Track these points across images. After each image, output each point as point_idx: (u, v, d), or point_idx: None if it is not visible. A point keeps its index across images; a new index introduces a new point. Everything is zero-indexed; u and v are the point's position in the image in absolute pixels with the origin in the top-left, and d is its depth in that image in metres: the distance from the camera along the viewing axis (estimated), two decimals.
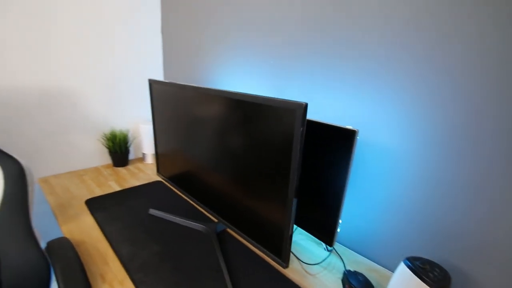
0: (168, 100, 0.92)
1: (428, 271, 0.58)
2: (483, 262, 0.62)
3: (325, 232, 0.75)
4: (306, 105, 0.51)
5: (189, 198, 0.95)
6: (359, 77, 0.76)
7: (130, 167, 1.38)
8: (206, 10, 1.19)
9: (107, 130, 1.37)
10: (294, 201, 0.59)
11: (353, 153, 0.65)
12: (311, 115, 0.89)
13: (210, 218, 0.98)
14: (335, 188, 0.70)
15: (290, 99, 0.93)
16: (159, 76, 1.53)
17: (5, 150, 0.78)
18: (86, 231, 0.87)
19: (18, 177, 0.77)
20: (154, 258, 0.76)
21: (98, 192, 1.11)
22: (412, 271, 0.59)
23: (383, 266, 0.80)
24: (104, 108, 1.33)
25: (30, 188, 0.81)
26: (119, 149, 1.34)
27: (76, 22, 1.16)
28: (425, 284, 0.56)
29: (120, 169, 1.35)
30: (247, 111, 0.63)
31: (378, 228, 0.80)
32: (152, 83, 0.97)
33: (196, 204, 0.92)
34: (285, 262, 0.63)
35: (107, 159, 1.40)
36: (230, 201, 0.77)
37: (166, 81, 0.91)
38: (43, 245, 0.78)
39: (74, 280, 0.67)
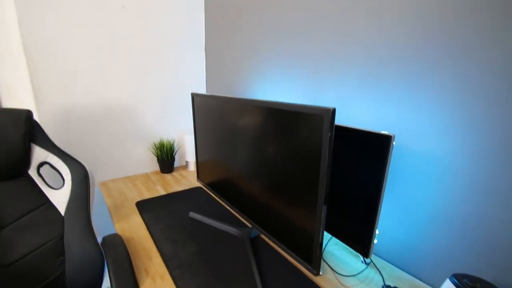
0: (207, 111, 0.99)
1: None
2: None
3: (361, 242, 0.72)
4: (334, 110, 0.51)
5: (225, 203, 1.00)
6: (400, 81, 0.73)
7: (175, 173, 1.50)
8: (244, 27, 1.27)
9: (156, 140, 1.51)
10: (324, 207, 0.58)
11: (388, 159, 0.62)
12: (348, 122, 0.88)
13: (245, 224, 1.00)
14: (370, 196, 0.68)
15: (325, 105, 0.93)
16: (202, 90, 1.65)
17: (74, 156, 0.92)
18: (135, 229, 0.96)
19: (83, 180, 0.90)
20: (191, 258, 0.81)
21: (147, 195, 1.22)
22: None
23: (426, 283, 0.73)
24: (155, 120, 1.48)
25: (91, 190, 0.93)
26: (166, 157, 1.46)
27: (133, 48, 1.33)
28: None
29: (166, 175, 1.47)
30: (277, 119, 0.66)
31: (423, 242, 0.74)
32: (194, 96, 1.06)
33: (232, 209, 0.96)
34: (316, 269, 0.62)
35: (155, 166, 1.54)
36: (264, 207, 0.79)
37: (206, 94, 0.98)
38: (99, 240, 0.89)
39: (123, 272, 0.75)
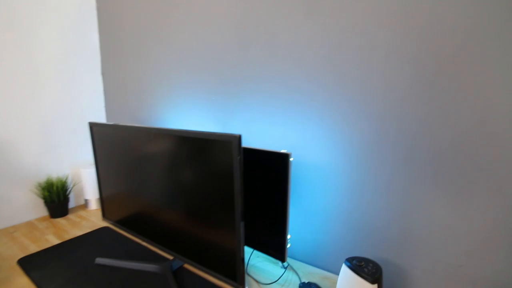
0: (110, 142, 0.91)
1: (364, 267, 0.66)
2: (405, 252, 0.74)
3: (277, 249, 0.80)
4: (240, 136, 0.58)
5: (140, 238, 0.92)
6: (289, 108, 0.87)
7: (70, 216, 1.27)
8: (146, 53, 1.24)
9: (41, 179, 1.26)
10: (242, 224, 0.63)
11: (289, 173, 0.73)
12: (251, 144, 0.97)
13: (164, 257, 0.95)
14: (279, 207, 0.77)
15: (233, 130, 1.01)
16: (101, 118, 1.49)
17: None
18: None
19: None
20: None
21: (34, 248, 1.00)
22: (351, 270, 0.66)
23: (333, 273, 0.87)
24: (38, 154, 1.23)
25: None
26: (56, 198, 1.23)
27: (3, 65, 1.10)
28: (362, 279, 0.64)
29: (58, 220, 1.24)
30: (188, 146, 0.68)
31: (323, 238, 0.88)
32: (93, 126, 0.96)
33: (149, 243, 0.90)
34: (241, 285, 0.66)
35: (42, 211, 1.27)
36: (183, 235, 0.78)
37: (108, 123, 0.91)
38: None
39: None
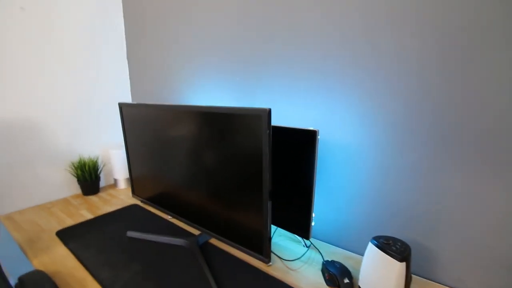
0: (139, 121, 0.94)
1: (391, 246, 0.66)
2: (433, 233, 0.72)
3: (301, 227, 0.81)
4: (270, 110, 0.58)
5: (168, 214, 0.96)
6: (315, 85, 0.86)
7: (101, 194, 1.35)
8: (169, 35, 1.26)
9: (75, 159, 1.33)
10: (269, 203, 0.64)
11: (316, 150, 0.73)
12: (277, 122, 0.97)
13: (191, 233, 0.99)
14: (305, 185, 0.77)
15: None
16: (127, 100, 1.54)
17: None
18: (61, 261, 0.83)
19: None
20: (136, 278, 0.76)
21: (70, 222, 1.07)
22: (378, 248, 0.66)
23: (357, 253, 0.87)
24: (71, 136, 1.30)
25: None
26: (89, 177, 1.30)
27: (36, 52, 1.15)
28: (390, 257, 0.64)
29: (91, 197, 1.31)
30: (217, 123, 0.69)
31: (348, 219, 0.88)
32: (122, 106, 0.99)
33: (177, 218, 0.93)
34: (267, 258, 0.67)
35: (76, 189, 1.35)
36: (210, 212, 0.80)
37: (136, 103, 0.94)
38: (13, 281, 0.74)
39: None
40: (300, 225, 0.82)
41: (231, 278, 0.76)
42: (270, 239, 0.67)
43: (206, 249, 0.89)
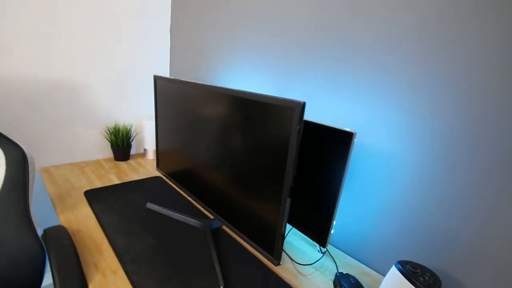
0: (171, 96, 0.93)
1: (418, 275, 0.58)
2: (474, 272, 0.62)
3: (319, 232, 0.76)
4: (304, 104, 0.52)
5: (187, 194, 0.96)
6: (360, 81, 0.77)
7: (131, 161, 1.40)
8: (213, 12, 1.22)
9: (110, 124, 1.39)
10: (288, 200, 0.59)
11: (349, 155, 0.66)
12: (311, 117, 0.90)
13: (206, 216, 0.98)
14: (330, 189, 0.71)
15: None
16: (165, 74, 1.55)
17: (10, 137, 0.79)
18: (83, 221, 0.88)
19: (20, 163, 0.79)
20: (148, 251, 0.77)
21: (98, 184, 1.12)
22: (403, 274, 0.59)
23: (376, 271, 0.80)
24: (109, 102, 1.35)
25: (31, 176, 0.82)
26: (121, 143, 1.35)
27: (85, 17, 1.19)
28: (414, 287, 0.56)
29: (121, 163, 1.37)
30: (247, 109, 0.65)
31: (372, 233, 0.80)
32: (157, 79, 0.99)
33: (194, 200, 0.93)
34: (277, 260, 0.64)
35: (109, 153, 1.42)
36: (227, 199, 0.78)
37: (171, 77, 0.92)
38: (40, 232, 0.79)
39: (68, 267, 0.67)
40: (318, 230, 0.76)
41: (237, 268, 0.74)
42: (283, 238, 0.63)
43: (219, 234, 0.88)
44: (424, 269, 0.60)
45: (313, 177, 0.76)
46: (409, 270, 0.59)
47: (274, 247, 0.64)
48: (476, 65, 0.57)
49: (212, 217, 0.97)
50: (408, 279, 0.58)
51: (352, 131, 0.64)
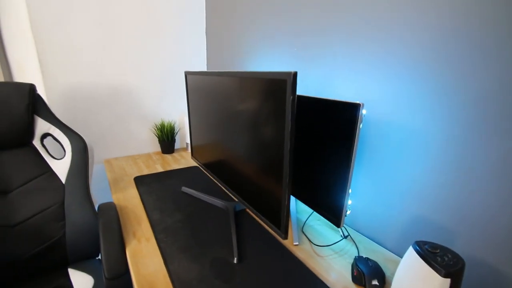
0: (197, 88, 1.02)
1: (437, 255, 0.52)
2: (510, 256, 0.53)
3: (334, 212, 0.73)
4: (295, 73, 0.53)
5: (216, 179, 1.03)
6: (377, 54, 0.72)
7: (175, 154, 1.56)
8: (244, 8, 1.28)
9: (157, 121, 1.57)
10: (289, 168, 0.59)
11: (357, 127, 0.63)
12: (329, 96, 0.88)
13: (232, 199, 1.04)
14: (341, 165, 0.69)
15: (312, 83, 0.94)
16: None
17: (79, 133, 0.98)
18: (129, 199, 1.03)
19: (82, 151, 0.97)
20: (176, 225, 0.86)
21: (146, 172, 1.29)
22: (419, 255, 0.53)
23: (400, 257, 0.73)
24: (156, 101, 1.54)
25: (90, 161, 1.00)
26: (166, 138, 1.52)
27: (134, 27, 1.38)
28: (430, 268, 0.51)
29: (166, 155, 1.54)
30: (245, 86, 0.68)
31: (398, 215, 0.74)
32: (187, 74, 1.09)
33: (221, 185, 0.99)
34: (284, 233, 0.64)
35: (157, 147, 1.61)
36: (244, 181, 0.82)
37: (197, 70, 1.01)
38: (96, 207, 0.96)
39: (111, 232, 0.80)
40: (332, 209, 0.74)
41: (254, 245, 0.77)
42: (288, 211, 0.63)
43: (241, 216, 0.92)
44: (445, 250, 0.53)
45: (324, 155, 0.74)
46: (426, 250, 0.54)
47: (280, 220, 0.65)
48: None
49: (236, 200, 1.02)
50: (423, 258, 0.52)
51: (358, 102, 0.61)
